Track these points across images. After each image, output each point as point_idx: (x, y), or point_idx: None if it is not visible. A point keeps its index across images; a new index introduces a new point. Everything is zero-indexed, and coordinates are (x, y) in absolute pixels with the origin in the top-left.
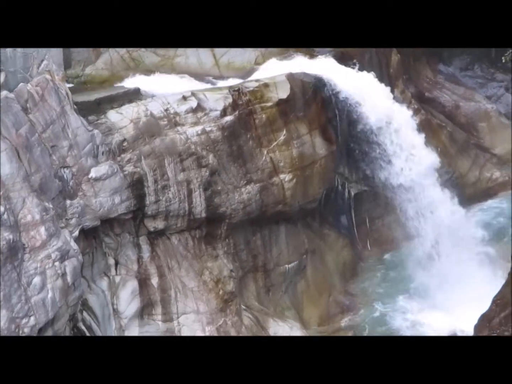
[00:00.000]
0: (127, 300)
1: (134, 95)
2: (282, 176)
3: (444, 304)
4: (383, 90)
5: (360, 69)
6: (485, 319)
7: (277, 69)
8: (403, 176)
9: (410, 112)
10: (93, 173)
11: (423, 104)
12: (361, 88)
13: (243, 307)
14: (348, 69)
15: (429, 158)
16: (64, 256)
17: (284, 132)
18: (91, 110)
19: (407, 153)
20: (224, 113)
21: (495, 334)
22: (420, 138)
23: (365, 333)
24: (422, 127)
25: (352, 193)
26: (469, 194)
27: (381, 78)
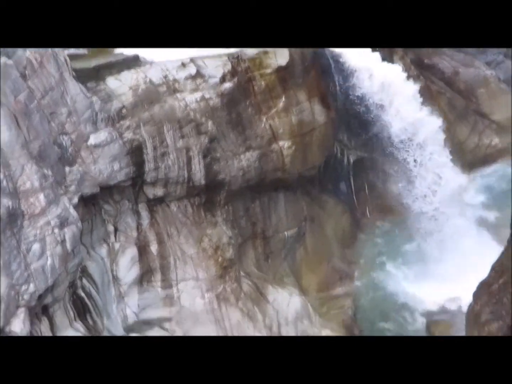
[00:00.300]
0: (127, 267)
1: (133, 62)
2: (281, 143)
3: (442, 271)
4: (411, 89)
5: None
6: (484, 286)
7: None
8: (425, 203)
9: (439, 122)
10: (92, 140)
11: (422, 71)
12: (384, 84)
13: (242, 274)
14: (375, 55)
15: (457, 180)
16: (63, 223)
17: (283, 99)
18: (90, 77)
19: (432, 175)
20: (223, 80)
21: (494, 301)
22: (446, 153)
23: (363, 299)
24: (421, 94)
25: (351, 160)
26: (468, 161)
27: None
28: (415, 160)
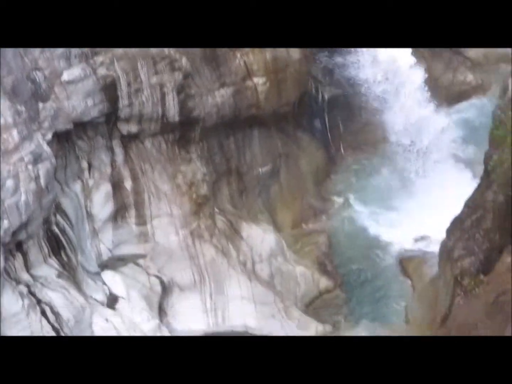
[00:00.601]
0: (101, 203)
1: None
2: (255, 79)
3: (415, 206)
4: (418, 77)
5: None
6: (457, 221)
7: None
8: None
9: (447, 120)
10: (65, 76)
11: None
12: (389, 71)
13: (217, 210)
14: None
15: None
16: (37, 159)
17: None
18: None
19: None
20: None
21: (467, 236)
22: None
23: (337, 236)
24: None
25: (326, 97)
26: (442, 97)
27: None
28: (416, 172)
